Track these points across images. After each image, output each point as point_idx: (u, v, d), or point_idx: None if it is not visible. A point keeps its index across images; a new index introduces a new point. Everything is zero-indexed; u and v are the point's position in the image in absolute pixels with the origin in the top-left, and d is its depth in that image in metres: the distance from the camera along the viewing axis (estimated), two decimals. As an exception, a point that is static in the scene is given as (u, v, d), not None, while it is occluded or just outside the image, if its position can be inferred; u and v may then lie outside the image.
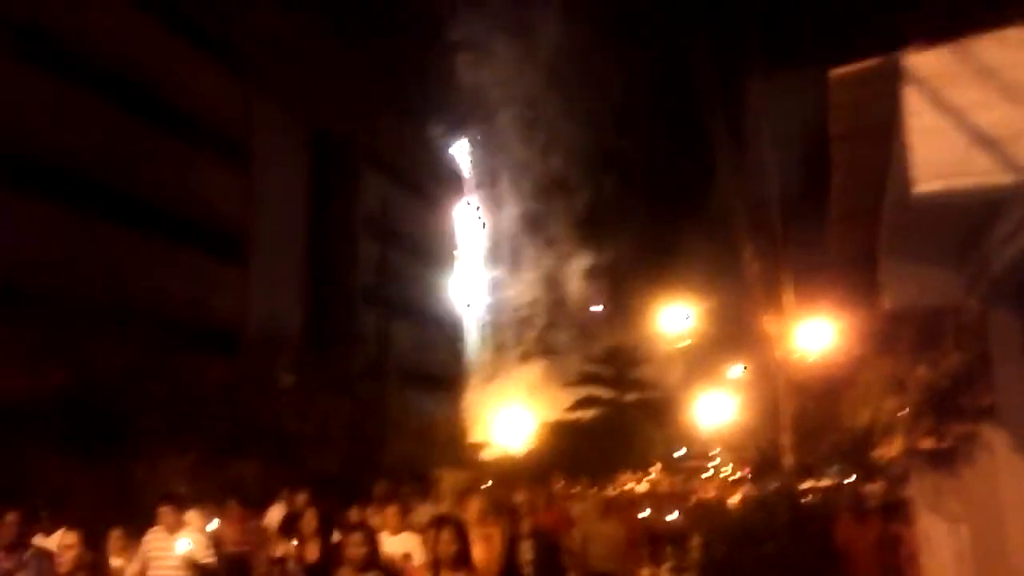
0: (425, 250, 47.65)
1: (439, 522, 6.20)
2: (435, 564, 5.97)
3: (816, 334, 17.43)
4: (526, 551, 10.21)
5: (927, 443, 7.16)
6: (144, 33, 26.76)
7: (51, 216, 22.43)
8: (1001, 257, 4.74)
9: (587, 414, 51.98)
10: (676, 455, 48.29)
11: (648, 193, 66.80)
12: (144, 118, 26.61)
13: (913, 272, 5.78)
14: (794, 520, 12.34)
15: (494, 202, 58.67)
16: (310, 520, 8.69)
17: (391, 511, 9.00)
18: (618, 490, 23.44)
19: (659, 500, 19.36)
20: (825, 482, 19.69)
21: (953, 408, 6.32)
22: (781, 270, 16.27)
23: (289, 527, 9.60)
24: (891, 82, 4.44)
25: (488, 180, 58.45)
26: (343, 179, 39.82)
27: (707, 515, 17.64)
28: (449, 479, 21.36)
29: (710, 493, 24.42)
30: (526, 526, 11.00)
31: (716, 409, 35.74)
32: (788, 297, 16.26)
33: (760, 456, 27.00)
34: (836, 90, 4.82)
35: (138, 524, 8.80)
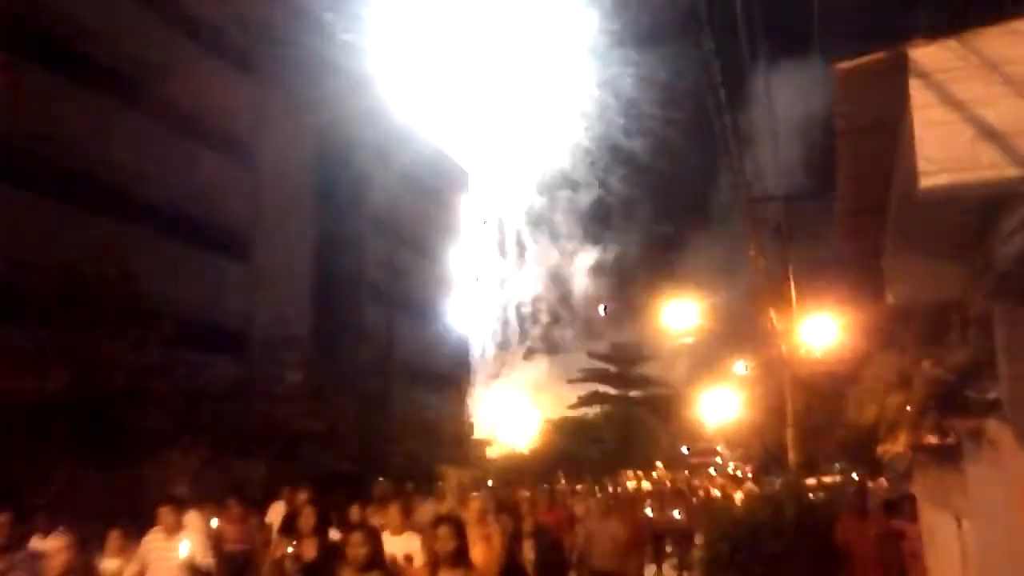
0: (431, 248, 47.64)
1: (437, 521, 6.24)
2: (433, 562, 6.00)
3: (821, 330, 17.43)
4: (528, 550, 10.21)
5: (932, 439, 7.15)
6: (153, 33, 26.78)
7: (58, 216, 22.47)
8: (1007, 251, 4.73)
9: (592, 411, 52.00)
10: (681, 452, 48.35)
11: (654, 190, 66.81)
12: (152, 118, 26.62)
13: (919, 267, 5.78)
14: (800, 518, 12.32)
15: (500, 199, 58.66)
16: (307, 518, 8.65)
17: (393, 510, 8.94)
18: (621, 488, 23.42)
19: (663, 497, 19.32)
20: (830, 479, 19.65)
21: (958, 403, 6.30)
22: (786, 266, 16.25)
23: (289, 525, 9.59)
24: (897, 76, 4.44)
25: (494, 177, 58.44)
26: (350, 178, 39.82)
27: (711, 512, 17.58)
28: (454, 477, 21.42)
29: (714, 490, 24.41)
30: (528, 525, 10.99)
31: (721, 406, 35.76)
32: (793, 293, 16.24)
33: (765, 453, 27.00)
34: (842, 84, 4.82)
35: (143, 524, 8.77)
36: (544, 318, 59.96)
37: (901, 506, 10.05)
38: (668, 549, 17.85)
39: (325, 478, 17.79)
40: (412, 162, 45.92)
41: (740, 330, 31.88)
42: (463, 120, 54.61)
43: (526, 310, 59.69)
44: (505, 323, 58.88)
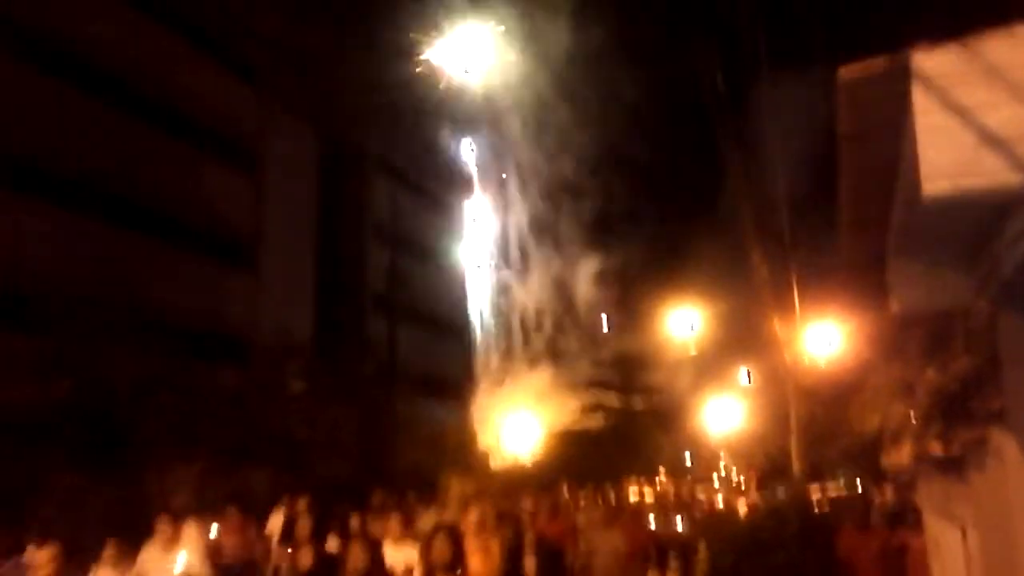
0: (434, 255, 47.65)
1: (434, 530, 6.21)
2: (429, 572, 5.96)
3: (825, 338, 17.36)
4: (529, 561, 10.16)
5: (936, 448, 7.10)
6: (156, 41, 26.84)
7: (61, 224, 22.48)
8: (1011, 258, 4.69)
9: (595, 420, 51.85)
10: (684, 462, 48.23)
11: (657, 197, 66.71)
12: (154, 125, 26.67)
13: (922, 274, 5.73)
14: (804, 529, 12.24)
15: (503, 206, 58.61)
16: (303, 526, 8.62)
17: (394, 520, 8.90)
18: (624, 498, 23.32)
19: (665, 508, 19.23)
20: (834, 489, 19.59)
21: (963, 413, 6.25)
22: (790, 274, 16.21)
23: (289, 534, 9.55)
24: (899, 82, 4.41)
25: (496, 184, 58.42)
26: (353, 185, 39.87)
27: (714, 523, 17.53)
28: (457, 486, 21.32)
29: (718, 500, 24.32)
30: (530, 536, 10.93)
31: (724, 415, 35.67)
32: (797, 301, 16.19)
33: (768, 462, 26.93)
34: (844, 91, 4.79)
35: (144, 534, 8.73)
36: (548, 326, 59.84)
37: (905, 517, 9.96)
38: (672, 561, 17.76)
39: (327, 487, 17.73)
40: (415, 170, 45.97)
41: (744, 339, 31.82)
42: (467, 125, 54.58)
43: (530, 318, 59.57)
44: (508, 331, 58.76)
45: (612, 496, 21.63)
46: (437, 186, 49.56)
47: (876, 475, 16.95)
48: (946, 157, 4.19)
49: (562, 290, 60.86)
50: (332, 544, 8.99)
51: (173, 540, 8.40)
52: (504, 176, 58.20)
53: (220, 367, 24.86)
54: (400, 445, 27.66)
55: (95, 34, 24.29)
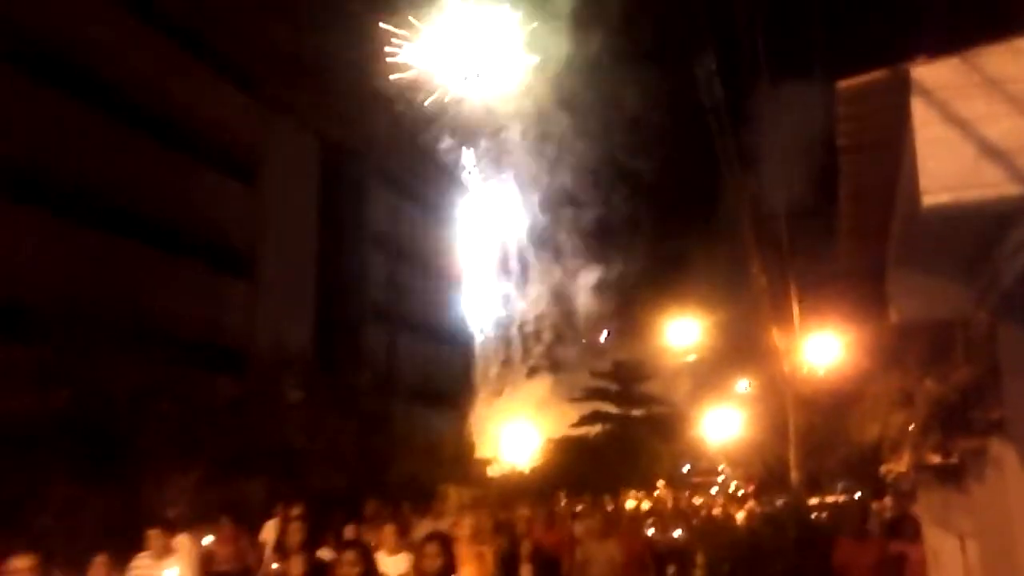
0: (433, 266, 47.67)
1: (426, 538, 6.22)
2: None
3: (824, 348, 17.40)
4: (525, 570, 10.15)
5: (935, 458, 7.11)
6: (155, 51, 26.88)
7: (60, 234, 22.49)
8: (1010, 269, 4.71)
9: (594, 430, 51.87)
10: (682, 470, 48.21)
11: (656, 207, 66.89)
12: (153, 134, 26.70)
13: (922, 285, 5.75)
14: (802, 538, 12.25)
15: (502, 217, 58.66)
16: (294, 534, 8.59)
17: (389, 529, 8.87)
18: (622, 507, 23.28)
19: (664, 517, 19.20)
20: (833, 498, 19.57)
21: (962, 422, 6.27)
22: (789, 283, 16.23)
23: (283, 543, 9.53)
24: (899, 94, 4.44)
25: (496, 194, 58.47)
26: (352, 195, 39.89)
27: (713, 532, 17.52)
28: (455, 495, 21.28)
29: (716, 509, 24.29)
30: (527, 545, 10.91)
31: (723, 424, 35.64)
32: (796, 311, 16.21)
33: (767, 472, 26.92)
34: (844, 102, 4.82)
35: (141, 544, 8.70)
36: (547, 336, 59.86)
37: (903, 527, 9.94)
38: (669, 570, 17.74)
39: (324, 497, 17.70)
40: (414, 179, 46.00)
41: (743, 348, 31.85)
42: (466, 137, 54.66)
43: (529, 328, 59.58)
44: (508, 341, 58.77)
45: (610, 505, 21.59)
46: (437, 196, 49.62)
47: (875, 484, 16.97)
48: (946, 169, 4.21)
49: (561, 300, 61.06)
50: (325, 553, 8.97)
51: (165, 549, 8.36)
52: (504, 186, 58.43)
53: (218, 377, 24.82)
54: (398, 455, 27.58)
55: (94, 42, 24.31)
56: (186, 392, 19.60)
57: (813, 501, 18.38)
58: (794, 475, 16.98)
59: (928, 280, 5.70)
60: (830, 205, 6.30)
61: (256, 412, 22.12)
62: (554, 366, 59.17)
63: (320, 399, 24.46)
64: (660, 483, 37.66)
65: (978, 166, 4.19)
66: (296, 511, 11.30)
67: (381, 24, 41.92)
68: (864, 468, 16.75)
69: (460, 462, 33.11)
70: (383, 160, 42.23)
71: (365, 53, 41.32)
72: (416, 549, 6.64)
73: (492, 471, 38.17)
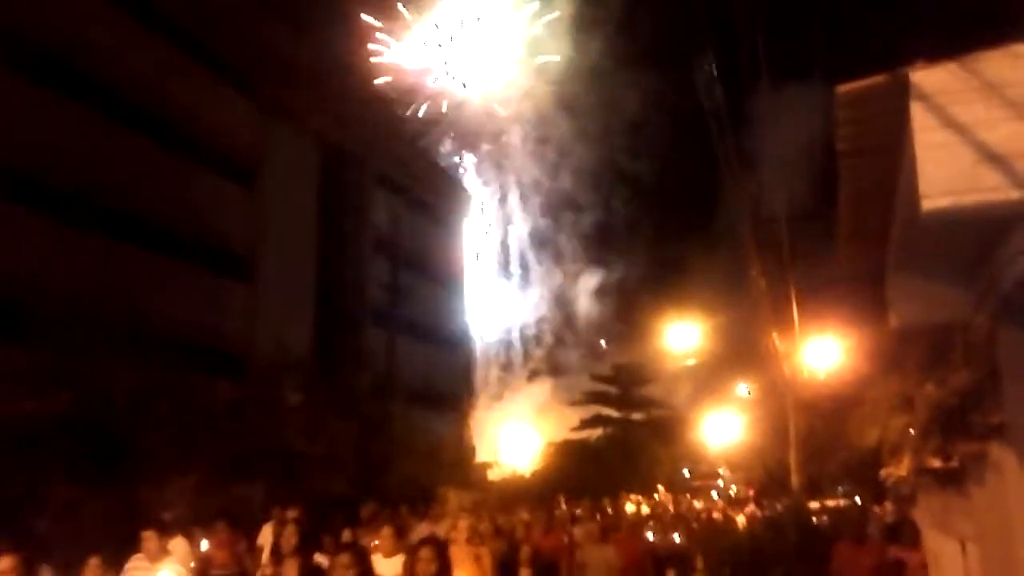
0: (434, 269, 47.62)
1: (420, 542, 6.22)
2: None
3: (823, 352, 17.36)
4: (524, 574, 10.15)
5: (935, 462, 7.11)
6: (155, 54, 26.88)
7: (59, 236, 22.48)
8: (1010, 274, 4.71)
9: (594, 433, 51.87)
10: (682, 475, 48.17)
11: (656, 211, 66.98)
12: (153, 138, 26.69)
13: (921, 289, 5.75)
14: (802, 542, 12.24)
15: (503, 221, 58.75)
16: (288, 537, 8.56)
17: (386, 531, 8.83)
18: (622, 511, 23.26)
19: (664, 521, 19.18)
20: (833, 502, 19.55)
21: (962, 427, 6.26)
22: (789, 288, 16.22)
23: (279, 546, 9.50)
24: (898, 98, 4.44)
25: (497, 198, 58.56)
26: (352, 199, 39.87)
27: (713, 536, 17.51)
28: (455, 499, 21.29)
29: (716, 513, 24.28)
30: (525, 549, 10.91)
31: (723, 428, 35.60)
32: (796, 315, 16.20)
33: (767, 476, 26.91)
34: (843, 106, 4.82)
35: (139, 547, 8.68)
36: (548, 340, 59.93)
37: (903, 531, 9.93)
38: (669, 574, 17.72)
39: (324, 501, 17.69)
40: (415, 182, 46.01)
41: (743, 352, 31.83)
42: (467, 140, 54.75)
43: (529, 332, 59.65)
44: (508, 345, 58.83)
45: (610, 509, 21.56)
46: (437, 199, 49.61)
47: (875, 488, 16.96)
48: (945, 173, 4.22)
49: (562, 303, 61.12)
50: (321, 557, 8.95)
51: (160, 553, 8.34)
52: (504, 190, 58.49)
53: (218, 380, 24.81)
54: (398, 458, 27.56)
55: (93, 45, 24.32)
56: (186, 395, 19.59)
57: (813, 505, 18.38)
58: (794, 479, 16.96)
59: (928, 284, 5.70)
60: (830, 209, 6.31)
61: (256, 415, 22.10)
62: (554, 369, 59.30)
63: (320, 402, 24.44)
64: (660, 487, 37.67)
65: (977, 170, 4.20)
66: (292, 514, 11.26)
67: (381, 28, 42.02)
68: (864, 472, 16.71)
69: (460, 465, 33.12)
70: (383, 163, 42.22)
71: (364, 56, 41.41)
72: (410, 553, 6.63)
73: (492, 475, 38.18)
